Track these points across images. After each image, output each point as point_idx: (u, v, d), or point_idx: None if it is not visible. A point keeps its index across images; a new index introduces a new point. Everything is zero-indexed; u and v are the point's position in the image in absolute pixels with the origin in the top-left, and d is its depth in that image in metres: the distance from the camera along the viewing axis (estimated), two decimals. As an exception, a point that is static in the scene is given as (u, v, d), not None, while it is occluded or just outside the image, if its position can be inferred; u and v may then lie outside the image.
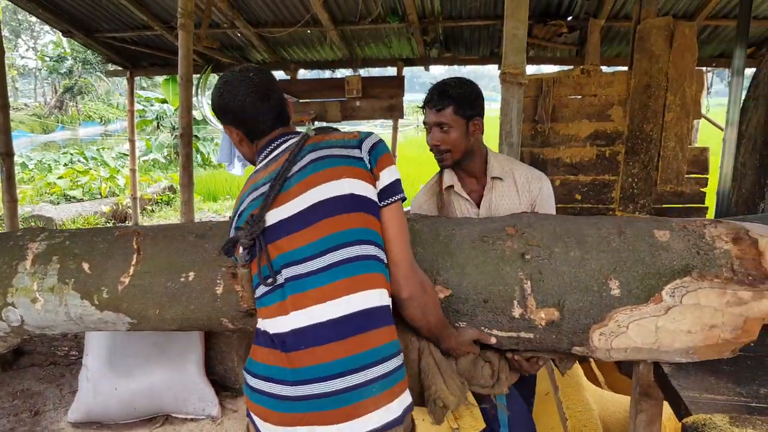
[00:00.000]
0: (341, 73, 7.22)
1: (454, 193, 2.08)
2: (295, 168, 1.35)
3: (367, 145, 1.40)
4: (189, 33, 3.83)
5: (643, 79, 4.18)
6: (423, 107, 1.98)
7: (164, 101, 14.78)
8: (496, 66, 7.14)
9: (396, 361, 1.30)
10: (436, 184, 2.12)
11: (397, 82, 6.81)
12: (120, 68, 6.79)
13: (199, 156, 15.32)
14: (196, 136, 14.64)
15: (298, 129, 1.59)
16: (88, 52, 27.77)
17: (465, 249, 1.67)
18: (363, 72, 6.99)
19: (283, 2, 5.71)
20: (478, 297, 1.63)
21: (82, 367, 3.05)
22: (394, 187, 1.39)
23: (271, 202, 1.31)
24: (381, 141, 1.44)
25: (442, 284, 1.64)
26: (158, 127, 16.54)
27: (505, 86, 3.74)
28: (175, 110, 15.96)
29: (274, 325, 1.28)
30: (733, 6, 5.46)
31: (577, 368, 3.37)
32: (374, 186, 1.36)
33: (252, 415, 1.31)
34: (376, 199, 1.35)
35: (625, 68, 4.49)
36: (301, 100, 6.76)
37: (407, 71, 7.05)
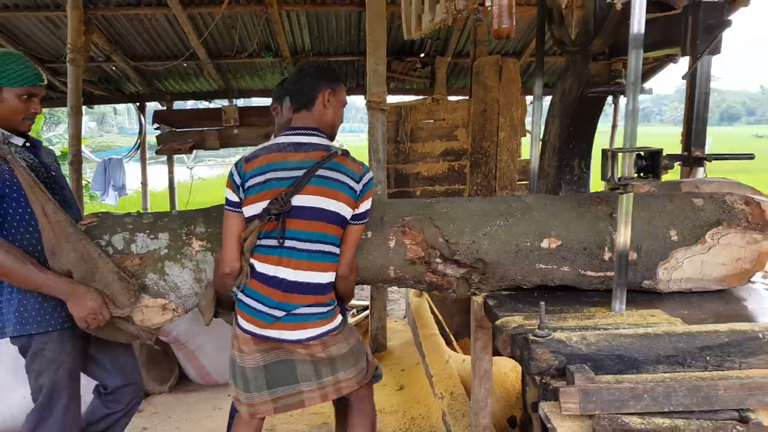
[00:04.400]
0: (217, 103, 7.60)
1: None
2: (318, 172, 2.01)
3: (363, 181, 2.08)
4: (79, 67, 4.15)
5: (480, 105, 5.09)
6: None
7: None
8: (362, 96, 7.92)
9: (323, 308, 2.08)
10: None
11: (272, 112, 7.33)
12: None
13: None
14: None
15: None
16: None
17: (567, 212, 2.35)
18: (240, 102, 7.43)
19: (161, 38, 6.05)
20: (579, 246, 2.30)
21: (-8, 384, 3.20)
22: (363, 215, 2.12)
23: (298, 190, 1.99)
24: (371, 179, 2.12)
25: (555, 237, 2.30)
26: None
27: (371, 112, 4.45)
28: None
29: (267, 268, 2.03)
30: (551, 45, 6.66)
31: (439, 339, 4.09)
32: (354, 210, 2.07)
33: (240, 319, 2.07)
34: (349, 218, 2.07)
35: (467, 97, 5.42)
36: (177, 129, 6.99)
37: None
